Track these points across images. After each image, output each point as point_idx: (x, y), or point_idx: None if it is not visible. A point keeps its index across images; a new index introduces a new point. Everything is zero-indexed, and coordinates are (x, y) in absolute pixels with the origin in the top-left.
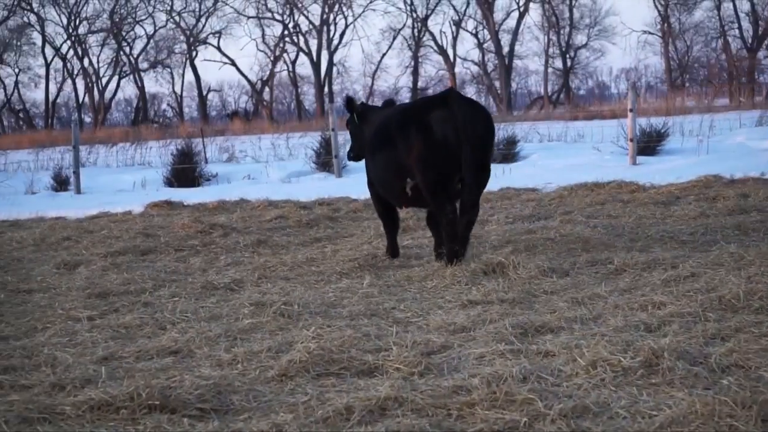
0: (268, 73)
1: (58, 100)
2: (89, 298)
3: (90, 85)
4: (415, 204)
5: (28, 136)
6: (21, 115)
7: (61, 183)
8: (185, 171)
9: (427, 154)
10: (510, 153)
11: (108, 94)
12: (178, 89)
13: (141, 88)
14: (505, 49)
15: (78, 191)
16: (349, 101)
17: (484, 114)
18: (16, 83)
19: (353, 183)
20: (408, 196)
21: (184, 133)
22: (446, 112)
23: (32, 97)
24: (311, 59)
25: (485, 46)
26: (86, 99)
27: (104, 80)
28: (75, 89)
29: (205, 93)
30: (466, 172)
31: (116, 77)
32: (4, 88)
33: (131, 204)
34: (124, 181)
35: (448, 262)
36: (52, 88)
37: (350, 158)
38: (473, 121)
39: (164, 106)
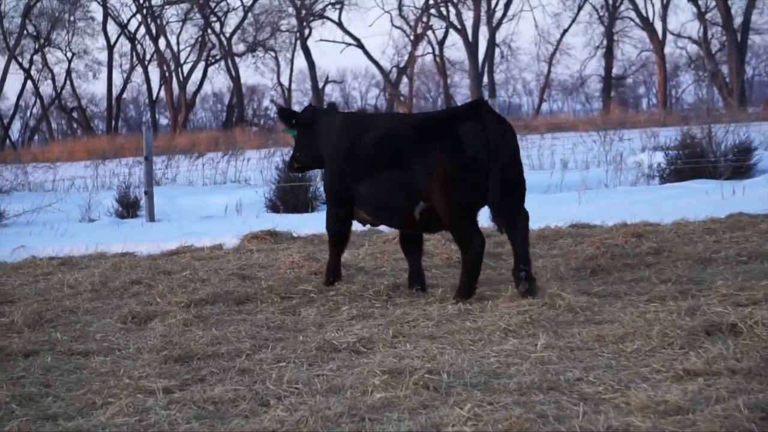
0: (406, 57)
1: (124, 96)
2: (166, 363)
3: (167, 74)
4: (422, 229)
5: (85, 144)
6: (75, 115)
7: (128, 207)
8: (294, 191)
9: (455, 174)
10: (743, 165)
11: (191, 87)
12: (285, 80)
13: (235, 79)
14: (737, 21)
15: (151, 218)
16: (284, 113)
17: (512, 128)
18: (69, 73)
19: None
20: (415, 220)
21: (292, 139)
22: (478, 125)
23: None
24: (465, 38)
25: (708, 16)
26: (162, 93)
27: (186, 68)
28: (147, 81)
29: (321, 85)
30: (492, 193)
31: (202, 64)
32: (53, 79)
33: (222, 235)
34: (212, 205)
35: (461, 298)
36: (117, 79)
37: (293, 169)
38: (504, 135)
39: (266, 102)
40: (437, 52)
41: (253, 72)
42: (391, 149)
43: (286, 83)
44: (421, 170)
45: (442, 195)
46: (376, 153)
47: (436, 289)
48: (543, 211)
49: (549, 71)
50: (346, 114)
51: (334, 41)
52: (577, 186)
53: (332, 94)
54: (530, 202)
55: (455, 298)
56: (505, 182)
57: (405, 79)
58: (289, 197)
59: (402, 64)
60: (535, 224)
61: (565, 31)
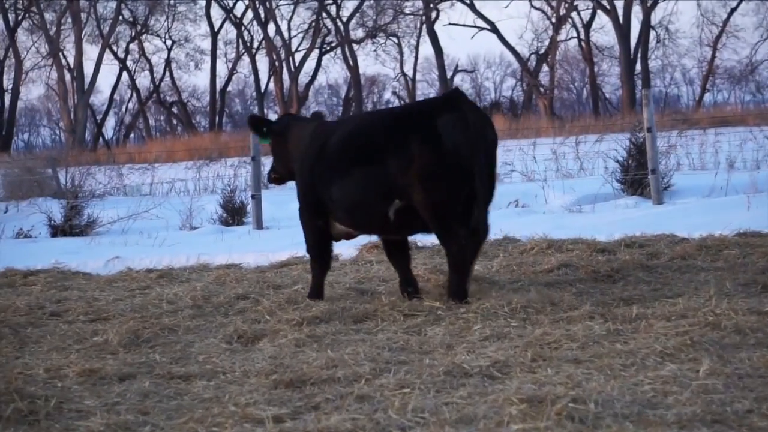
0: (546, 43)
1: (229, 88)
2: (276, 389)
3: (277, 64)
4: (395, 232)
5: (185, 142)
6: (175, 110)
7: (233, 213)
8: None
9: (435, 168)
10: None
11: (304, 78)
12: (409, 69)
13: (353, 69)
14: None
15: (259, 225)
16: (255, 121)
17: (489, 119)
18: (168, 63)
19: (680, 213)
20: (390, 221)
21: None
22: (456, 116)
23: (191, 83)
24: (615, 20)
25: None
26: (271, 85)
27: (298, 57)
28: (255, 71)
29: (450, 75)
30: (480, 187)
31: (316, 52)
32: (151, 70)
33: (338, 245)
34: None
35: (455, 300)
36: (221, 70)
37: (270, 180)
38: (484, 126)
39: (388, 94)
40: (582, 36)
41: (372, 61)
42: (363, 146)
43: (409, 73)
44: (397, 166)
45: (421, 190)
46: (346, 152)
47: (581, 306)
48: (705, 218)
49: (713, 57)
50: (320, 121)
51: (464, 25)
52: (745, 189)
53: (462, 84)
54: (690, 207)
55: (448, 301)
56: (488, 171)
57: (545, 68)
58: None
59: (542, 51)
60: (696, 232)
61: (733, 10)
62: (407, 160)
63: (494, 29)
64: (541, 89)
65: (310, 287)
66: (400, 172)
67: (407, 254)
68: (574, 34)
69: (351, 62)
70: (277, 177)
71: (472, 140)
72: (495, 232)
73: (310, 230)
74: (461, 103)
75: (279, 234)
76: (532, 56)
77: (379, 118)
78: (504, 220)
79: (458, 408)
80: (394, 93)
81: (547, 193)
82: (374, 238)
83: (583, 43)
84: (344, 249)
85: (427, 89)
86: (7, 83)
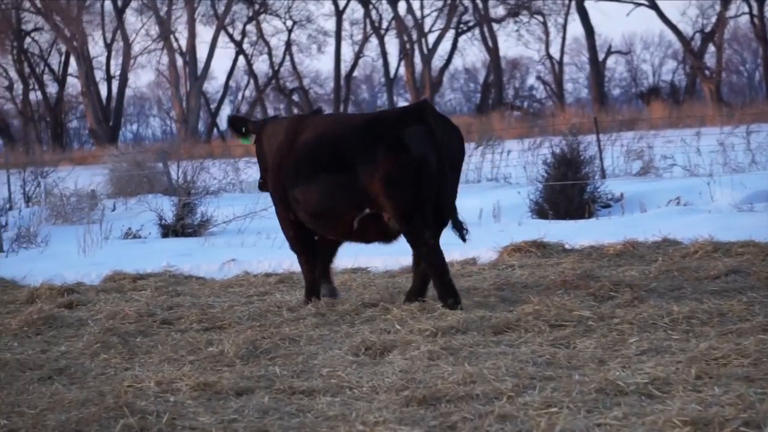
0: (713, 20)
1: (355, 73)
2: (407, 406)
3: (408, 47)
4: (360, 238)
5: None
6: (296, 98)
7: None
8: (567, 192)
9: (400, 176)
10: None
11: (437, 62)
12: (555, 51)
13: (493, 51)
14: None
15: None
16: (235, 121)
17: (457, 130)
18: (288, 46)
19: None
20: (353, 229)
21: (564, 125)
22: (424, 127)
23: (313, 68)
24: None
25: None
26: (401, 70)
27: (432, 38)
28: (383, 54)
29: (602, 57)
30: (443, 196)
31: (451, 33)
32: (269, 54)
33: (476, 247)
34: (463, 209)
35: (447, 301)
36: (346, 53)
37: (261, 188)
38: (450, 140)
39: (532, 79)
40: (755, 11)
41: (514, 42)
42: (335, 153)
43: (556, 55)
44: (367, 173)
45: (388, 197)
46: (319, 159)
47: (753, 318)
48: None
49: None
50: (291, 118)
51: (619, 0)
52: None
53: (615, 67)
54: None
55: (443, 306)
56: (452, 183)
57: (711, 48)
58: (560, 199)
59: (708, 29)
60: None
61: None
62: (375, 167)
63: (653, 5)
64: (707, 72)
65: (305, 290)
66: (368, 179)
67: (334, 253)
68: (746, 9)
69: (490, 44)
70: (265, 182)
71: (438, 151)
72: (653, 233)
73: (287, 225)
74: (428, 115)
75: None
76: (697, 35)
77: (352, 126)
78: (663, 220)
79: (612, 430)
80: (538, 78)
81: (713, 190)
82: (517, 239)
83: (755, 20)
84: (482, 252)
85: (575, 73)
86: (115, 69)
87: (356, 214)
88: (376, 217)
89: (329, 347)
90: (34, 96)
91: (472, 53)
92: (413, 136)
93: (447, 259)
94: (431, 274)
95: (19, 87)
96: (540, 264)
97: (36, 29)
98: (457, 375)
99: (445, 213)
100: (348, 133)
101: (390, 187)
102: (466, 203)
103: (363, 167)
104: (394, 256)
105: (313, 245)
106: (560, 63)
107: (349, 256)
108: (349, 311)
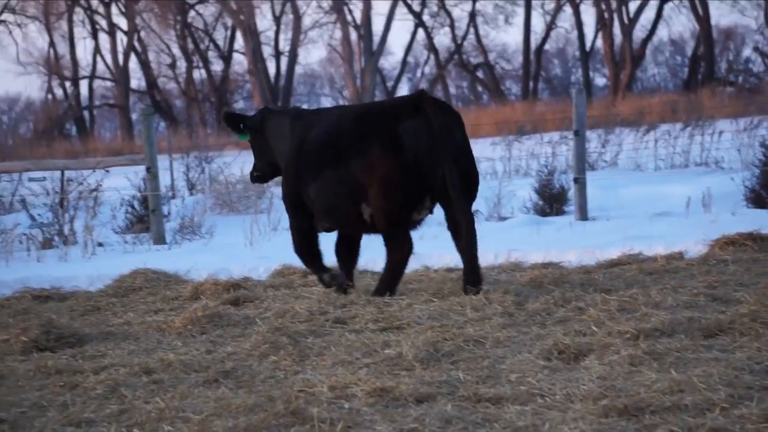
0: None
1: (547, 47)
2: (606, 417)
3: (607, 16)
4: (374, 230)
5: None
6: (480, 74)
7: (551, 200)
8: None
9: (394, 175)
10: None
11: (639, 33)
12: None
13: (703, 20)
14: None
15: (583, 216)
16: (231, 118)
17: (458, 117)
18: (473, 17)
19: None
20: (367, 223)
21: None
22: (419, 121)
23: (500, 41)
24: None
25: None
26: (599, 43)
27: (633, 6)
28: (578, 25)
29: None
30: (452, 190)
31: (656, 1)
32: (452, 26)
33: (683, 240)
34: (669, 197)
35: (382, 294)
36: (536, 25)
37: (254, 180)
38: (450, 129)
39: (748, 51)
40: None
41: (728, 9)
42: (335, 147)
43: None
44: (360, 169)
45: (379, 196)
46: (321, 153)
47: None
48: None
49: None
50: (294, 113)
51: None
52: None
53: None
54: None
55: (372, 296)
56: (459, 173)
57: None
58: None
59: None
60: None
61: None
62: (368, 165)
63: None
64: None
65: (325, 283)
66: (362, 175)
67: (357, 254)
68: None
69: (700, 11)
70: (258, 175)
71: (436, 145)
72: None
73: (295, 232)
74: (426, 106)
75: (608, 226)
76: None
77: (349, 118)
78: None
79: None
80: (755, 49)
81: None
82: (730, 231)
83: None
84: (690, 245)
85: None
86: (284, 44)
87: (361, 209)
88: None
89: (518, 350)
90: (198, 74)
91: (679, 22)
92: (408, 131)
93: (649, 253)
94: (388, 271)
95: (182, 65)
96: (757, 259)
97: (201, 1)
98: (663, 383)
99: (455, 207)
100: (346, 126)
101: (379, 188)
102: (671, 190)
103: (357, 163)
104: (590, 249)
105: (319, 255)
106: None
107: (540, 249)
108: (539, 310)
